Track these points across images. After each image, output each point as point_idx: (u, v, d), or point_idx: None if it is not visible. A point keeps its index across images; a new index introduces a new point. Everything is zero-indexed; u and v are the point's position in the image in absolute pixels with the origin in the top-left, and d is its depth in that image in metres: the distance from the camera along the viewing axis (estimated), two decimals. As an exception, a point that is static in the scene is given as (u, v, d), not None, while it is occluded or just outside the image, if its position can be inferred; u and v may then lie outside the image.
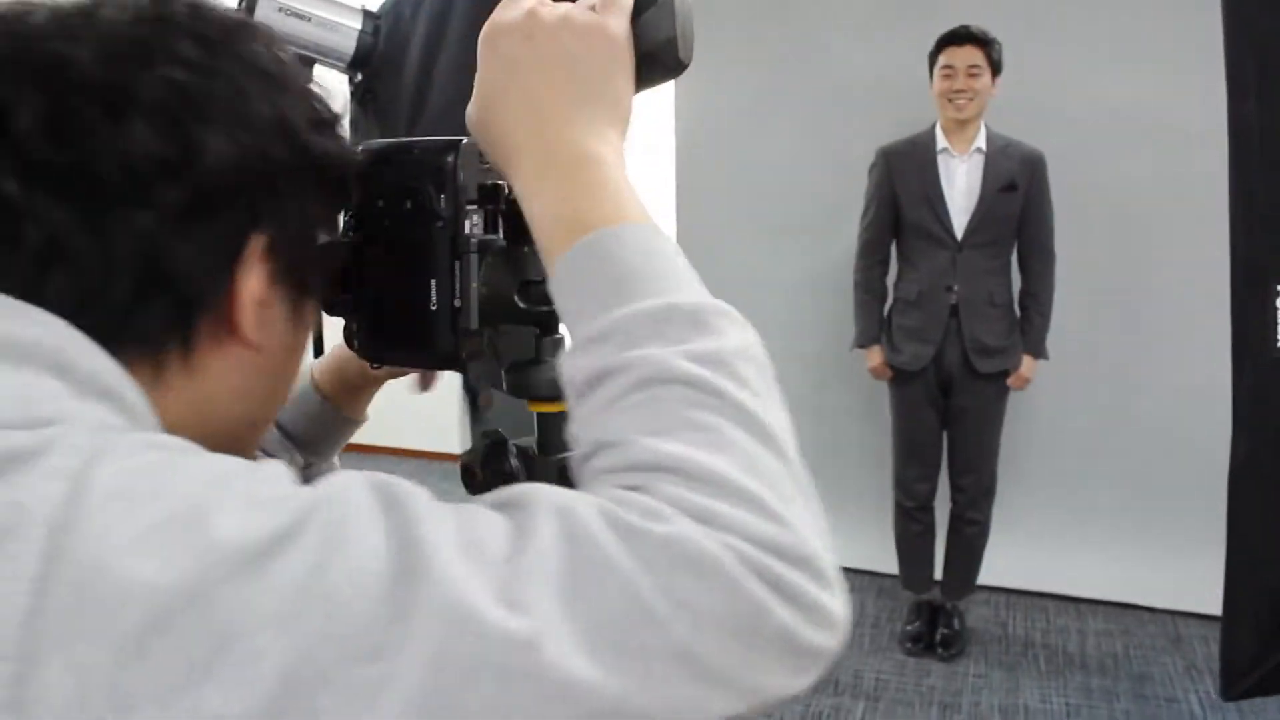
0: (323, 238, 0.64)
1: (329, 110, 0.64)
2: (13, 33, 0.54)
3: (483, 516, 0.48)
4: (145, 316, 0.54)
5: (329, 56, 1.95)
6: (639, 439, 0.50)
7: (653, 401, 0.51)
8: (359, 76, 2.02)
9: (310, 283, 0.64)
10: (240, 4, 1.84)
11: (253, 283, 0.58)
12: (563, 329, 0.77)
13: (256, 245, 0.58)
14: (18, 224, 0.51)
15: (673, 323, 0.54)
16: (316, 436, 0.91)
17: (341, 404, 0.92)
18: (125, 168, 0.52)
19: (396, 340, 0.73)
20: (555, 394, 0.76)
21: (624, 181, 0.60)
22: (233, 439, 0.61)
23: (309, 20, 2.12)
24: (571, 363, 0.56)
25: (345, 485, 0.47)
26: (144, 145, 0.52)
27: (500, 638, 0.42)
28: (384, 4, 2.17)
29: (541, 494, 0.49)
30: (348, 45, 2.04)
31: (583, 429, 0.54)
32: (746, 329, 0.56)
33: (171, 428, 0.54)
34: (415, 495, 0.47)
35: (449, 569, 0.43)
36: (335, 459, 0.94)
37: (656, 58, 0.66)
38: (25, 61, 0.52)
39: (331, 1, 2.14)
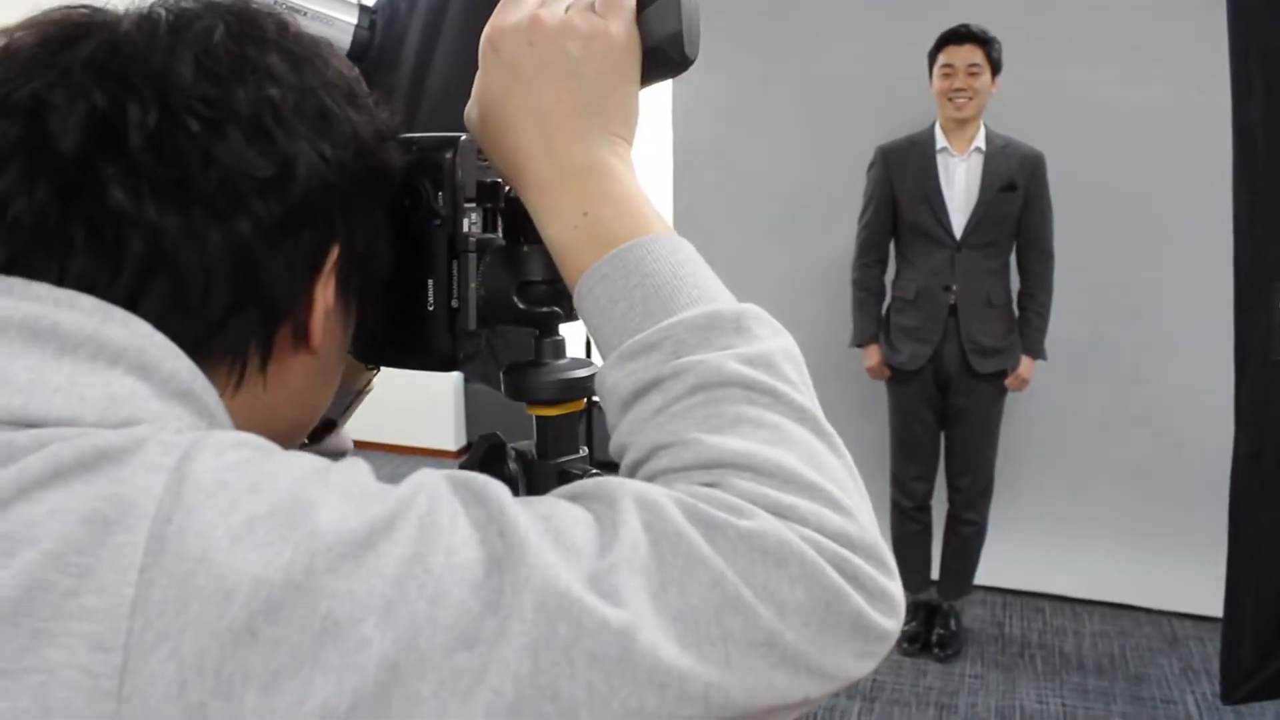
0: (383, 247, 0.65)
1: (390, 123, 0.65)
2: (108, 43, 0.54)
3: (564, 508, 0.49)
4: (236, 327, 0.55)
5: None
6: (703, 437, 0.52)
7: (711, 403, 0.53)
8: (355, 72, 2.00)
9: (367, 289, 0.64)
10: None
11: (328, 292, 0.59)
12: (563, 330, 0.76)
13: (332, 255, 0.59)
14: (122, 232, 0.52)
15: (718, 329, 0.56)
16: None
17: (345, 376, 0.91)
18: (225, 181, 0.53)
19: (392, 341, 0.72)
20: (556, 397, 0.74)
21: (640, 191, 0.62)
22: (285, 437, 0.62)
23: (304, 15, 2.10)
24: (615, 373, 0.57)
25: (430, 480, 0.49)
26: (242, 160, 0.54)
27: (596, 625, 0.44)
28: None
29: (623, 487, 0.50)
30: (343, 40, 2.02)
31: (633, 436, 0.56)
32: (782, 332, 0.58)
33: (239, 430, 0.55)
34: (497, 487, 0.49)
35: (542, 556, 0.45)
36: (343, 431, 0.94)
37: (661, 53, 0.65)
38: (129, 74, 0.53)
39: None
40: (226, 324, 0.55)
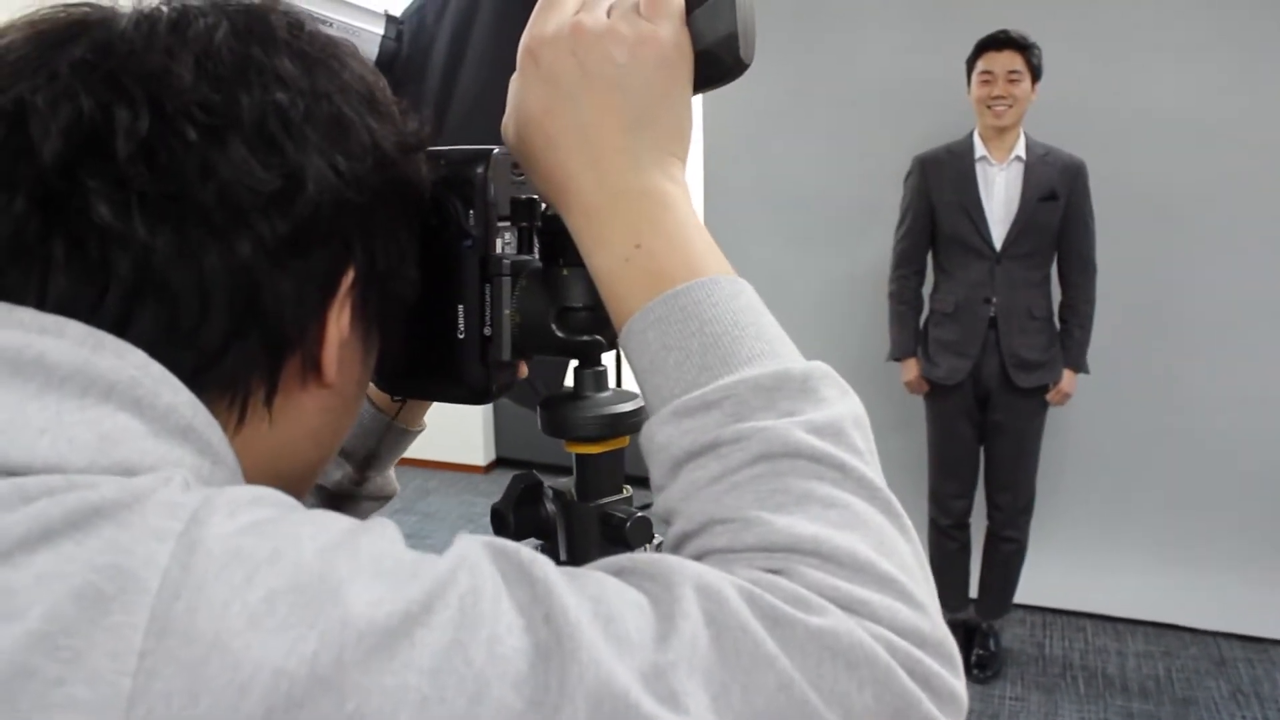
0: (408, 270, 0.59)
1: (416, 133, 0.59)
2: (100, 41, 0.49)
3: (615, 589, 0.44)
4: (236, 356, 0.50)
5: None
6: (766, 516, 0.47)
7: (775, 476, 0.48)
8: (381, 83, 1.98)
9: (389, 317, 0.59)
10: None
11: (343, 320, 0.54)
12: (605, 360, 0.70)
13: (347, 279, 0.54)
14: (108, 251, 0.46)
15: (785, 391, 0.51)
16: (369, 450, 0.85)
17: (396, 414, 0.86)
18: (224, 196, 0.48)
19: (420, 371, 0.67)
20: (598, 434, 0.69)
21: (696, 221, 0.57)
22: (300, 480, 0.58)
23: (330, 25, 2.07)
24: (667, 430, 0.52)
25: (472, 553, 0.43)
26: (244, 172, 0.48)
27: None
28: (407, 8, 2.11)
29: (682, 570, 0.45)
30: (370, 50, 1.99)
31: (686, 504, 0.50)
32: (850, 393, 0.53)
33: (246, 472, 0.51)
34: (544, 563, 0.44)
35: (595, 649, 0.40)
36: (390, 472, 0.88)
37: (714, 57, 0.59)
38: (120, 76, 0.48)
39: (353, 6, 2.09)
40: (226, 354, 0.49)
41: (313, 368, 0.54)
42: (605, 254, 0.56)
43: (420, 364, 0.66)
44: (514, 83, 0.59)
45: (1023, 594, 3.63)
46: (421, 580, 0.41)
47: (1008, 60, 3.15)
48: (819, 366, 0.53)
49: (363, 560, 0.41)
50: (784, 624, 0.43)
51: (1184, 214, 3.57)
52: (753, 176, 4.07)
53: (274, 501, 0.43)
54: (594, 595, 0.43)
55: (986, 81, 3.18)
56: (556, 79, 0.57)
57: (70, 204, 0.46)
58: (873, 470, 0.50)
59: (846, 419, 0.51)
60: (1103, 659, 3.61)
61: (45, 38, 0.50)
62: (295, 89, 0.51)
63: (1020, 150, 3.25)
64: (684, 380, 0.52)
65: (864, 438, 0.51)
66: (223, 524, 0.40)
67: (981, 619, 3.58)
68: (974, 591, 3.60)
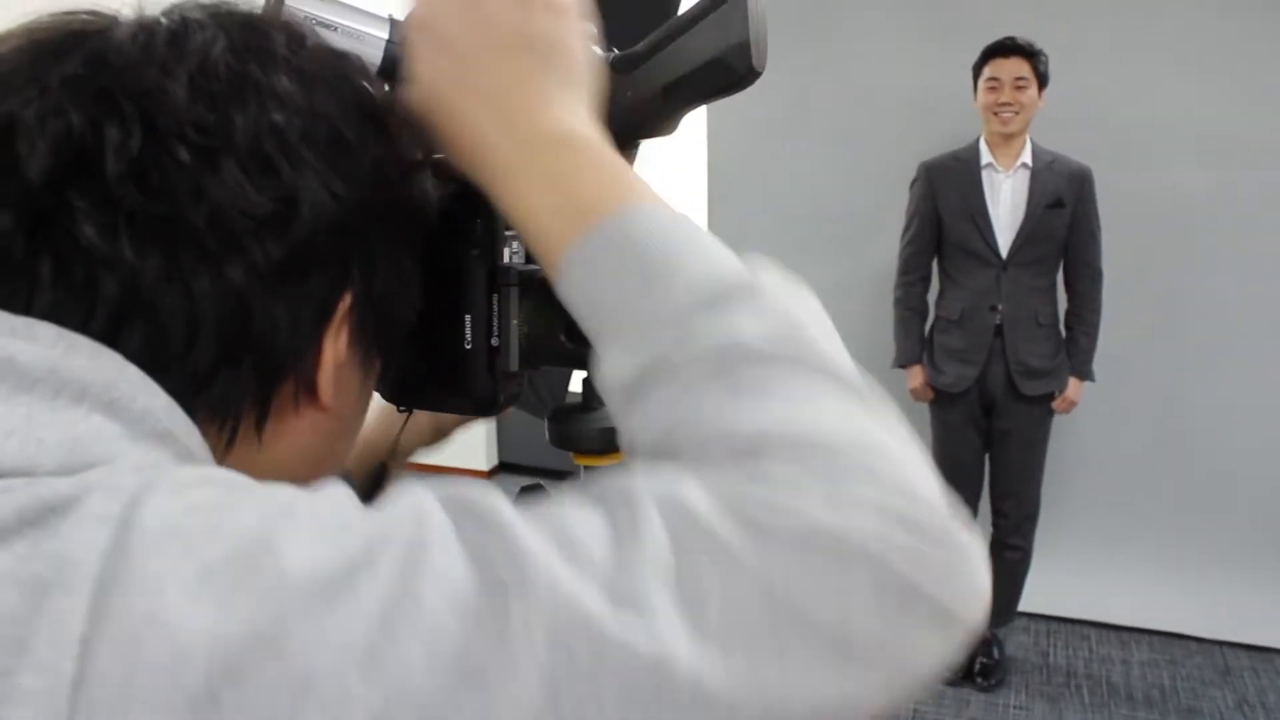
0: (409, 291, 0.58)
1: (421, 149, 0.58)
2: (94, 54, 0.48)
3: (574, 515, 0.42)
4: (226, 382, 0.49)
5: None
6: (731, 418, 0.45)
7: (732, 379, 0.46)
8: (386, 87, 1.99)
9: (389, 338, 0.57)
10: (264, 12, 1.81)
11: (339, 344, 0.52)
12: None
13: (344, 303, 0.52)
14: (94, 272, 0.45)
15: (731, 299, 0.48)
16: (389, 440, 0.85)
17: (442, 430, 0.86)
18: (216, 220, 0.47)
19: (425, 382, 0.65)
20: (607, 446, 0.68)
21: (613, 159, 0.54)
22: None
23: (334, 30, 2.07)
24: (617, 359, 0.50)
25: (418, 499, 0.41)
26: (237, 195, 0.47)
27: (621, 648, 0.37)
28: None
29: (645, 484, 0.42)
30: (375, 55, 1.99)
31: (646, 425, 0.48)
32: (803, 290, 0.51)
33: None
34: (496, 498, 0.41)
35: (552, 575, 0.38)
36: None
37: (727, 65, 0.58)
38: (112, 92, 0.47)
39: (358, 10, 2.09)
40: (215, 379, 0.48)
41: (307, 391, 0.52)
42: (527, 204, 0.54)
43: (427, 375, 0.65)
44: (411, 61, 0.58)
45: (1027, 602, 3.61)
46: (364, 529, 0.39)
47: (1014, 67, 3.13)
48: (760, 262, 0.51)
49: (302, 520, 0.39)
50: (759, 527, 0.40)
51: (1191, 222, 3.55)
52: (757, 183, 4.06)
53: (221, 480, 0.41)
54: (551, 524, 0.41)
55: (993, 88, 3.17)
56: (455, 46, 0.56)
57: (57, 223, 0.45)
58: (838, 357, 0.48)
59: (799, 311, 0.49)
60: (1107, 668, 3.59)
61: (40, 49, 0.48)
62: (292, 108, 0.49)
63: (1027, 157, 3.24)
64: (627, 310, 0.49)
65: (824, 331, 0.49)
66: (163, 503, 0.38)
67: (986, 627, 3.55)
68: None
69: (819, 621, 0.39)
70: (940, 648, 0.42)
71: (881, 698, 0.41)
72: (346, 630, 0.36)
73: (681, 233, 0.51)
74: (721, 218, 4.04)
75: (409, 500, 0.41)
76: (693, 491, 0.41)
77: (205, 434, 0.48)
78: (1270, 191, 3.46)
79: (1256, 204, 3.48)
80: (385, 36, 1.77)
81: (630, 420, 0.49)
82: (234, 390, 0.49)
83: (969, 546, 0.44)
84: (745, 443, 0.44)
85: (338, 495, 0.42)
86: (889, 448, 0.45)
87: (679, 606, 0.38)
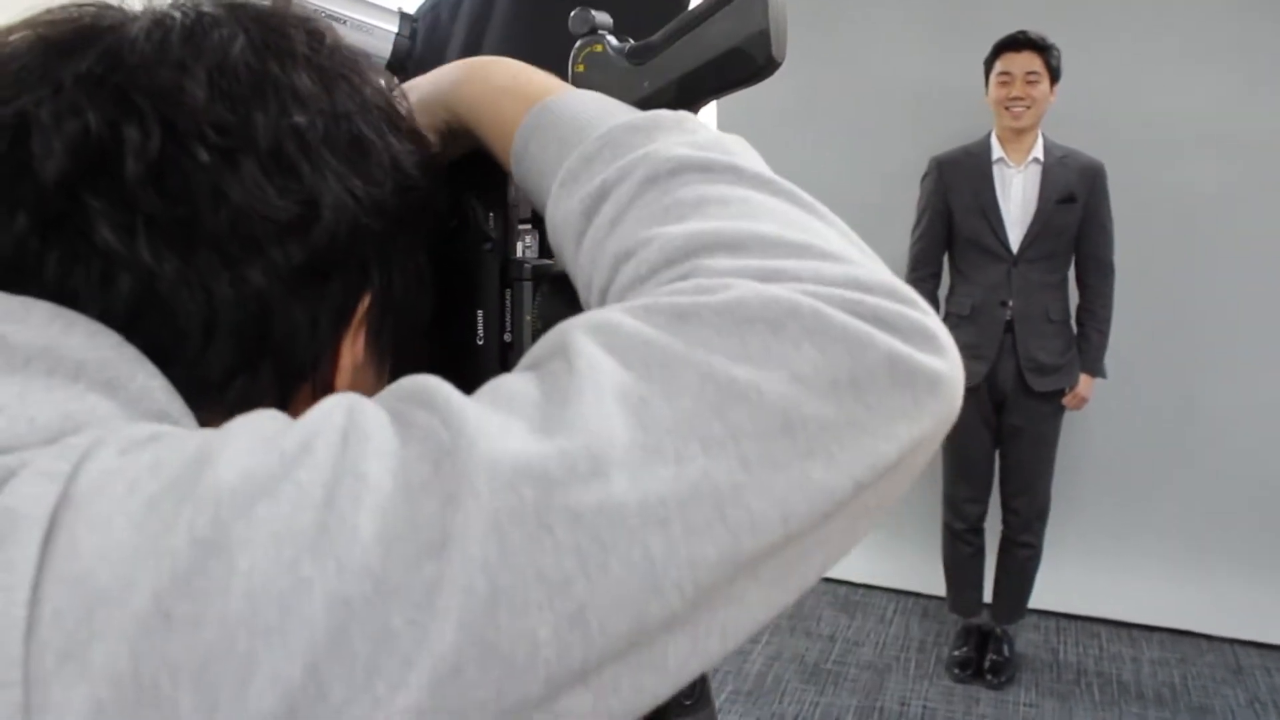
0: (425, 291, 0.58)
1: (434, 148, 0.58)
2: (109, 51, 0.47)
3: (509, 378, 0.42)
4: (244, 385, 0.48)
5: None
6: (664, 230, 0.45)
7: (665, 194, 0.46)
8: (395, 81, 1.99)
9: (405, 339, 0.57)
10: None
11: (357, 347, 0.53)
12: None
13: (363, 306, 0.52)
14: (111, 271, 0.45)
15: (660, 127, 0.50)
16: None
17: None
18: (236, 223, 0.46)
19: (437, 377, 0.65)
20: None
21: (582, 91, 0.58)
22: None
23: (344, 23, 2.06)
24: (559, 205, 0.51)
25: (347, 396, 0.41)
26: (259, 198, 0.47)
27: (565, 474, 0.36)
28: (421, 6, 2.11)
29: (570, 323, 0.42)
30: (384, 49, 1.99)
31: (595, 264, 0.48)
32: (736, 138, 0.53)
33: None
34: (433, 379, 0.41)
35: (483, 421, 0.37)
36: None
37: (746, 55, 0.57)
38: (129, 91, 0.46)
39: (367, 3, 2.08)
40: (232, 383, 0.48)
41: (324, 393, 0.52)
42: (492, 111, 0.57)
43: (438, 370, 0.64)
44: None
45: (1037, 599, 3.59)
46: (297, 429, 0.38)
47: (1026, 61, 3.12)
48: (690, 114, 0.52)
49: (238, 436, 0.38)
50: (686, 317, 0.40)
51: (1203, 219, 3.53)
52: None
53: (173, 433, 0.40)
54: (486, 388, 0.41)
55: (1004, 83, 3.15)
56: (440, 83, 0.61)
57: (72, 225, 0.44)
58: (770, 173, 0.48)
59: (728, 139, 0.50)
60: (1117, 665, 3.57)
61: (50, 45, 0.47)
62: (314, 109, 0.49)
63: (1038, 152, 3.22)
64: (567, 158, 0.51)
65: (753, 154, 0.50)
66: (109, 456, 0.37)
67: (996, 624, 3.55)
68: (988, 596, 3.57)
69: (766, 395, 0.38)
70: (909, 402, 0.40)
71: (855, 469, 0.39)
72: (290, 518, 0.35)
73: (613, 102, 0.55)
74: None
75: (339, 397, 0.41)
76: (618, 311, 0.41)
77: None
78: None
79: (1270, 202, 3.46)
80: (395, 30, 1.75)
81: (580, 261, 0.49)
82: (252, 394, 0.49)
83: (923, 304, 0.43)
84: (680, 246, 0.44)
85: (273, 413, 0.41)
86: (829, 235, 0.45)
87: (625, 413, 0.37)
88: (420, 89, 0.61)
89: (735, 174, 0.47)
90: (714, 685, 0.59)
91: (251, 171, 0.46)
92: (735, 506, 0.37)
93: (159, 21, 0.49)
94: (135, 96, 0.45)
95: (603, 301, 0.47)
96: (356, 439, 0.37)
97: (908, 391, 0.39)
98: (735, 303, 0.40)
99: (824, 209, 0.47)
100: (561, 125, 0.53)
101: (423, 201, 0.55)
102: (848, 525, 0.40)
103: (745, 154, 0.49)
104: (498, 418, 0.38)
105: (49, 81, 0.46)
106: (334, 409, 0.39)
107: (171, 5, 0.50)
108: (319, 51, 0.51)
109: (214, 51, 0.48)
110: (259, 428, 0.39)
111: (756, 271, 0.41)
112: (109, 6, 0.50)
